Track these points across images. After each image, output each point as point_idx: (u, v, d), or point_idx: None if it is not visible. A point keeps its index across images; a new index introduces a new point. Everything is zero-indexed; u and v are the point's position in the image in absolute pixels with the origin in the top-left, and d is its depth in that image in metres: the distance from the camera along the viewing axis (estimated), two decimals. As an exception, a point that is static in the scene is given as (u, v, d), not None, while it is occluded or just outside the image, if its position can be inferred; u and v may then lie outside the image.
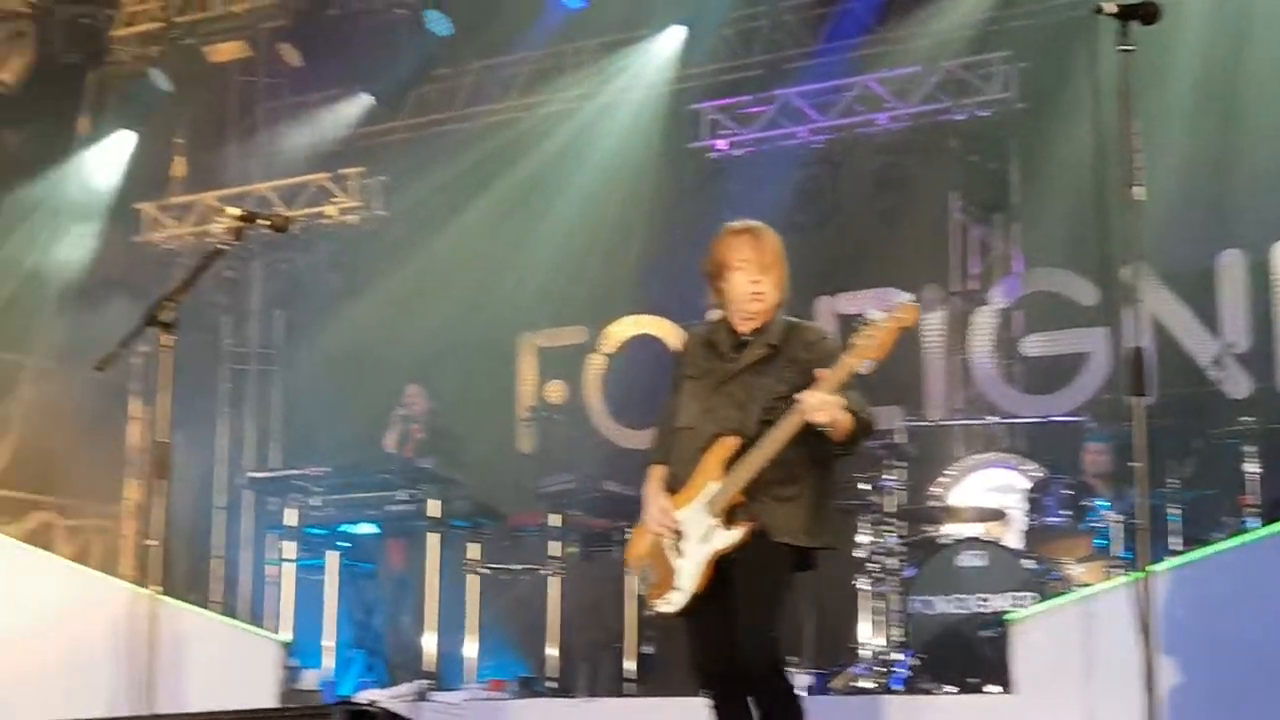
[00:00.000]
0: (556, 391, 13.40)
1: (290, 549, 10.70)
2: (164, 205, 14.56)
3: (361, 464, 11.01)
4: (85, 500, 14.87)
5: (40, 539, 13.66)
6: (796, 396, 5.56)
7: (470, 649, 10.20)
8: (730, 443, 5.71)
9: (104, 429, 14.87)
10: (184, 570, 13.63)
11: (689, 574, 5.75)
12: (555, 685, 10.15)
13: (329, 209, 13.91)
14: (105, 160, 14.21)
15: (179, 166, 14.69)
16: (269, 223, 6.04)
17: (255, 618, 12.57)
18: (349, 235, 14.12)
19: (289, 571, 10.72)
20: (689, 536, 5.76)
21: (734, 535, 5.66)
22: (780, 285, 5.87)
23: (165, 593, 5.72)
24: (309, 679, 10.19)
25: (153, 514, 5.69)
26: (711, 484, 5.71)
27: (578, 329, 13.71)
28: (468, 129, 14.05)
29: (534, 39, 13.41)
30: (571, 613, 10.38)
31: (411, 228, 13.93)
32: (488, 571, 10.43)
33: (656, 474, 5.95)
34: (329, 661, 10.47)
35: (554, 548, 10.38)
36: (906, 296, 6.12)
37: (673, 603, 5.82)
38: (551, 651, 10.24)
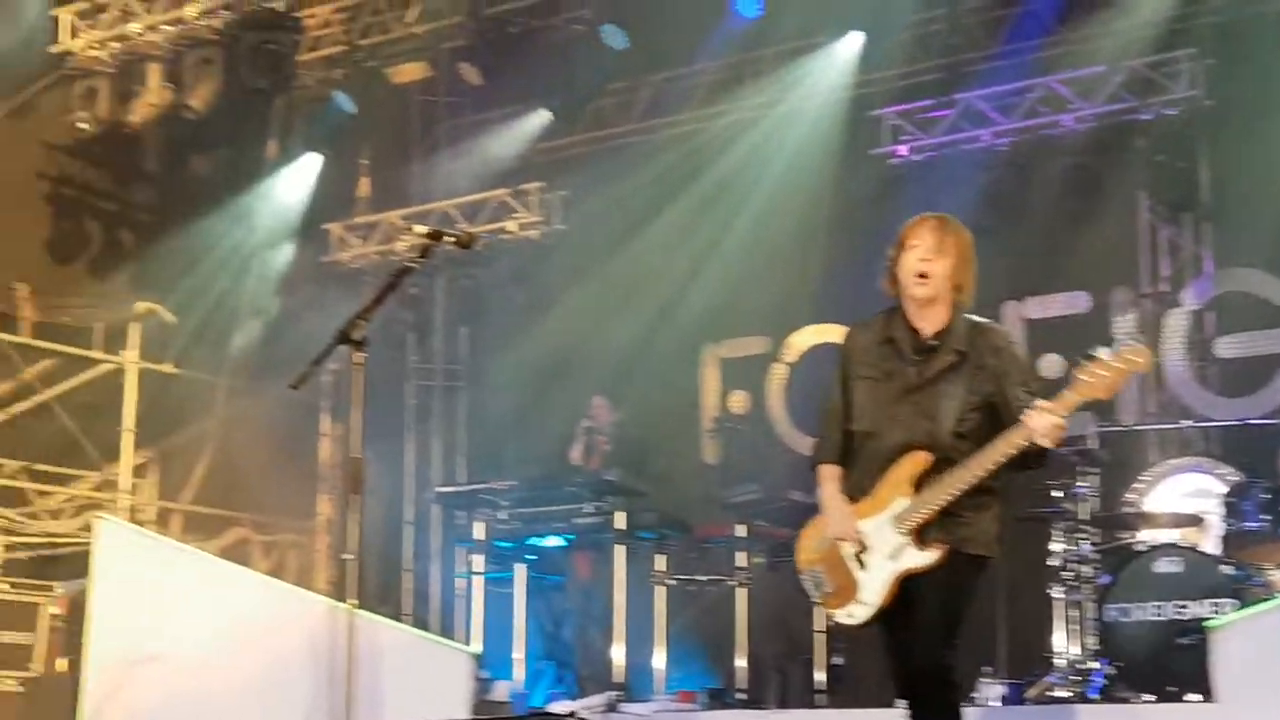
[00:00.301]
0: (740, 402, 13.38)
1: (479, 562, 10.78)
2: (350, 225, 14.81)
3: (548, 477, 11.07)
4: (280, 516, 15.17)
5: (237, 554, 13.97)
6: (1023, 419, 5.41)
7: (659, 660, 10.20)
8: (923, 458, 5.59)
9: (296, 446, 15.16)
10: (376, 584, 13.83)
11: (874, 589, 5.65)
12: (745, 696, 10.12)
13: (510, 224, 14.03)
14: (293, 182, 14.50)
15: (364, 186, 14.92)
16: (454, 240, 6.08)
17: (445, 630, 12.71)
18: (530, 250, 14.22)
19: (478, 584, 10.81)
20: (873, 550, 5.65)
21: (928, 558, 5.56)
22: (955, 277, 5.69)
23: (360, 606, 5.78)
24: (500, 691, 10.26)
25: (348, 528, 5.75)
26: (901, 499, 5.59)
27: (760, 339, 13.67)
28: (646, 142, 14.08)
29: (711, 50, 13.39)
30: (759, 623, 10.34)
31: (592, 241, 13.98)
32: (674, 583, 10.42)
33: (833, 475, 5.81)
34: (519, 673, 10.53)
35: (740, 558, 10.35)
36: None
37: (856, 616, 5.73)
38: (740, 663, 10.20)
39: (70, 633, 12.25)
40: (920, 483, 5.59)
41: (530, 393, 13.90)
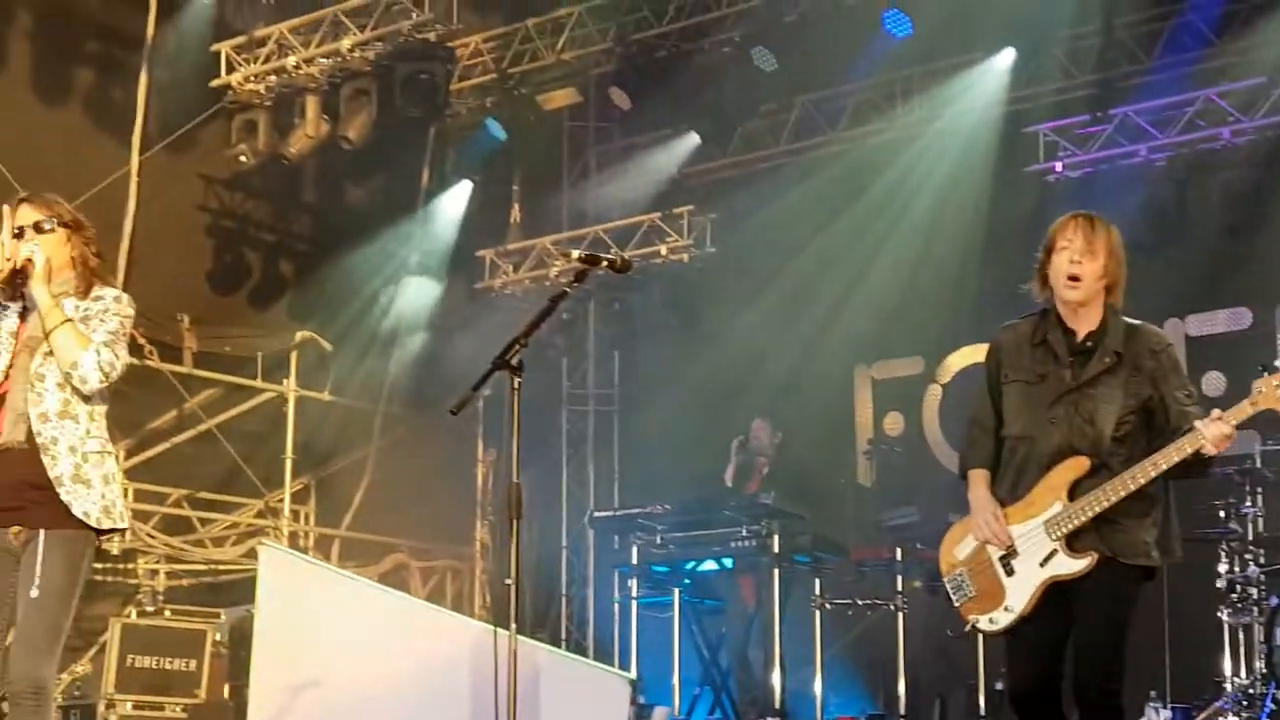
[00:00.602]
0: (895, 424, 13.28)
1: (635, 587, 10.79)
2: (502, 251, 14.92)
3: (703, 501, 11.05)
4: (437, 542, 15.30)
5: (395, 580, 14.10)
6: (1197, 427, 5.31)
7: (817, 685, 10.13)
8: (1081, 463, 5.48)
9: (452, 472, 15.30)
10: (533, 608, 13.90)
11: (1020, 595, 5.55)
12: (905, 720, 10.03)
13: (661, 248, 14.04)
14: (446, 210, 14.65)
15: (515, 213, 15.04)
16: (610, 264, 6.08)
17: (602, 655, 12.71)
18: (681, 274, 14.22)
19: (634, 609, 10.81)
20: (1023, 555, 5.55)
21: (1080, 565, 5.45)
22: (1107, 277, 5.57)
23: (519, 631, 5.79)
24: (658, 716, 10.26)
25: (508, 554, 5.77)
26: (1056, 504, 5.49)
27: (914, 360, 13.56)
28: (796, 163, 14.05)
29: (860, 69, 13.32)
30: (918, 647, 10.24)
31: (744, 264, 13.97)
32: (832, 607, 10.35)
33: (982, 478, 5.71)
34: (676, 698, 10.52)
35: (898, 582, 10.26)
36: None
37: (998, 623, 5.62)
38: (900, 687, 10.10)
39: (234, 659, 12.44)
40: (1075, 488, 5.49)
41: (683, 416, 13.90)
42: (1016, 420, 5.65)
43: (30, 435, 5.46)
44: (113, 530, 5.55)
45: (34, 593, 5.38)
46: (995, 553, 5.62)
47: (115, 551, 13.45)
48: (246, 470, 13.99)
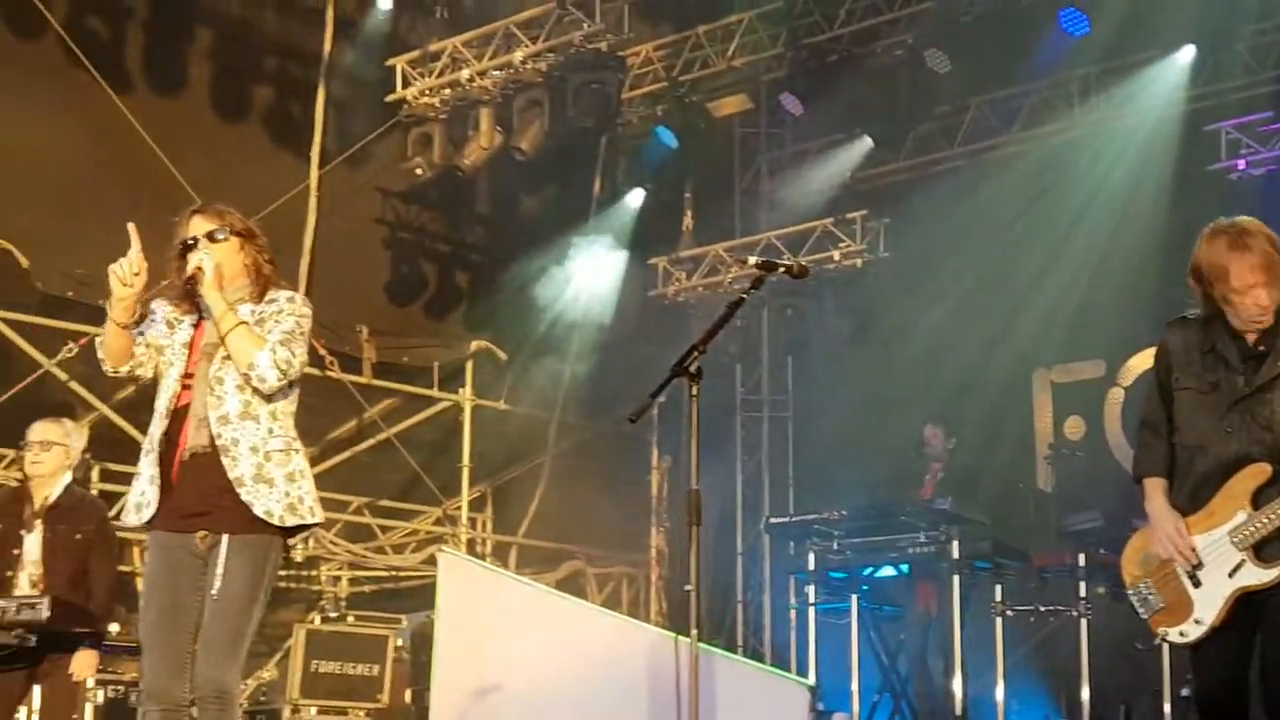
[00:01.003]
0: (1076, 428, 13.09)
1: (812, 593, 10.73)
2: (675, 259, 14.95)
3: (880, 506, 10.95)
4: (612, 549, 15.37)
5: (572, 586, 14.20)
6: None
7: (999, 692, 10.00)
8: (1262, 470, 5.36)
9: (626, 479, 15.37)
10: (709, 615, 13.89)
11: (1210, 607, 5.43)
12: (1089, 729, 9.86)
13: (834, 253, 13.97)
14: (619, 219, 14.71)
15: (687, 220, 15.06)
16: (788, 270, 6.08)
17: (778, 662, 12.69)
18: (854, 279, 14.14)
19: (811, 615, 10.76)
20: (1209, 566, 5.44)
21: (1271, 574, 5.33)
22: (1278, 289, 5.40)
23: (695, 642, 5.78)
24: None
25: (688, 560, 5.77)
26: (1240, 513, 5.38)
27: (1095, 363, 13.34)
28: (971, 165, 13.91)
29: (1036, 69, 13.14)
30: (1102, 654, 10.06)
31: (918, 269, 13.86)
32: (1013, 613, 10.20)
33: (1159, 488, 5.59)
34: (855, 705, 10.45)
35: (1081, 588, 10.09)
36: None
37: (1188, 635, 5.51)
38: (1084, 694, 9.93)
39: (415, 664, 12.60)
40: (1259, 496, 5.38)
41: (857, 422, 13.83)
42: (1190, 429, 5.54)
43: (212, 439, 5.55)
44: (301, 527, 5.61)
45: (215, 597, 5.47)
46: (1182, 566, 5.51)
47: (299, 559, 13.71)
48: (425, 478, 14.18)
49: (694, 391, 5.75)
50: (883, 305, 14.04)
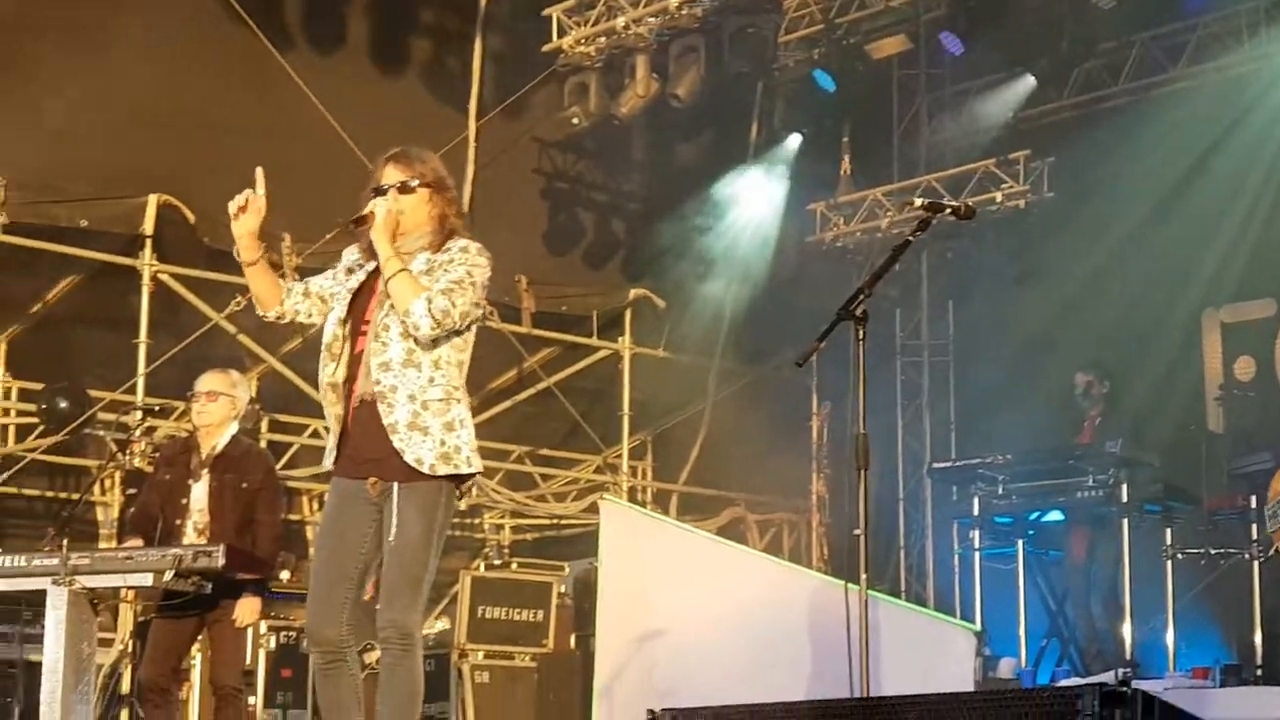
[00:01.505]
0: (1246, 368, 12.82)
1: (977, 538, 10.66)
2: (833, 204, 14.84)
3: (1045, 451, 10.84)
4: (773, 495, 15.36)
5: (733, 533, 14.22)
6: None
7: (1169, 636, 9.88)
8: None
9: (787, 425, 15.33)
10: (872, 561, 13.81)
11: None
12: (1262, 673, 9.69)
13: (996, 195, 13.78)
14: (776, 164, 14.63)
15: (845, 164, 14.93)
16: (954, 211, 6.02)
17: (942, 607, 12.61)
18: (1017, 220, 13.93)
19: (976, 560, 10.69)
20: None
21: None
22: None
23: (864, 588, 5.76)
24: (1004, 668, 10.13)
25: (855, 504, 5.75)
26: None
27: (1265, 302, 13.05)
28: (1137, 103, 13.63)
29: (1205, 3, 12.85)
30: (1276, 597, 9.89)
31: (1081, 208, 13.63)
32: (1183, 557, 10.06)
33: None
34: (1023, 650, 10.38)
35: (1254, 530, 9.91)
36: None
37: None
38: (1257, 637, 9.77)
39: (579, 610, 12.72)
40: None
41: (1021, 365, 13.66)
42: None
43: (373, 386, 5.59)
44: (456, 476, 5.58)
45: (392, 544, 5.53)
46: None
47: (463, 507, 13.88)
48: (585, 427, 14.26)
49: (860, 335, 5.74)
50: (1046, 247, 13.81)
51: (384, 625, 5.56)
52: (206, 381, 8.40)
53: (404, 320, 5.50)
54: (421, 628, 5.60)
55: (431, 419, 5.49)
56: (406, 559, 5.51)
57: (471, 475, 5.65)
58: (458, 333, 5.60)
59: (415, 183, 5.68)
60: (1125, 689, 3.07)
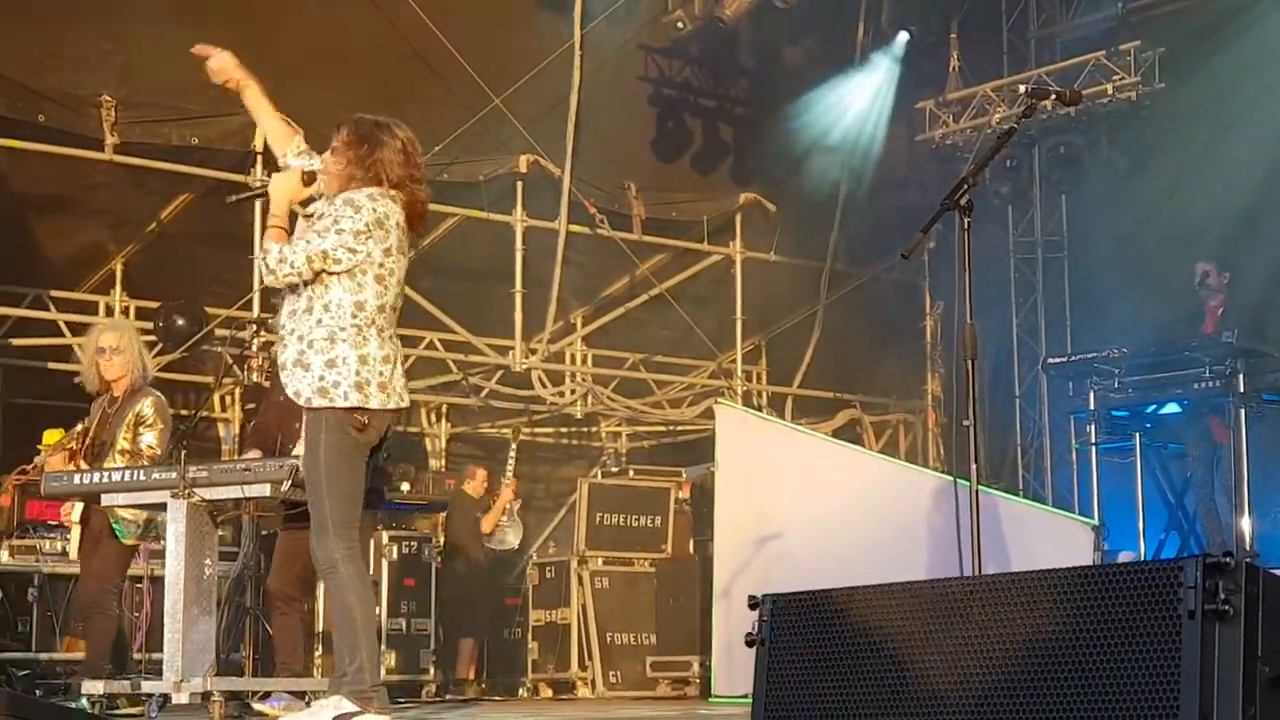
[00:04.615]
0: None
1: (1094, 432, 10.58)
2: (942, 101, 14.69)
3: (1161, 343, 10.70)
4: (888, 396, 15.35)
5: (848, 434, 14.25)
6: None
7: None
8: None
9: (900, 326, 15.30)
10: (989, 458, 13.79)
11: None
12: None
13: (1107, 87, 13.57)
14: (884, 63, 14.50)
15: (954, 61, 14.77)
16: (1059, 97, 5.96)
17: (1060, 503, 12.57)
18: (1129, 113, 13.72)
19: (1094, 455, 10.63)
20: None
21: None
22: None
23: (978, 480, 5.73)
24: (1123, 561, 10.08)
25: (966, 396, 5.72)
26: None
27: None
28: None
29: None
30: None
31: (1195, 100, 13.39)
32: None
33: None
34: (1142, 544, 10.32)
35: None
36: None
37: None
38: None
39: (696, 515, 12.82)
40: None
41: (1134, 259, 13.49)
42: None
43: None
44: (360, 409, 5.84)
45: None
46: None
47: (579, 415, 14.00)
48: (698, 332, 14.30)
49: (965, 225, 5.69)
50: (1159, 140, 13.60)
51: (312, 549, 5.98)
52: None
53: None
54: (341, 553, 5.83)
55: (314, 356, 5.82)
56: (309, 492, 5.95)
57: (360, 409, 5.85)
58: (343, 274, 5.85)
59: (334, 142, 6.04)
60: (1229, 559, 3.07)
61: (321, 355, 5.81)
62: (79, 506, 8.27)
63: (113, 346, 8.33)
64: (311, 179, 6.09)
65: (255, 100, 6.56)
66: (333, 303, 5.84)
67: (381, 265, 5.86)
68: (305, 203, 6.19)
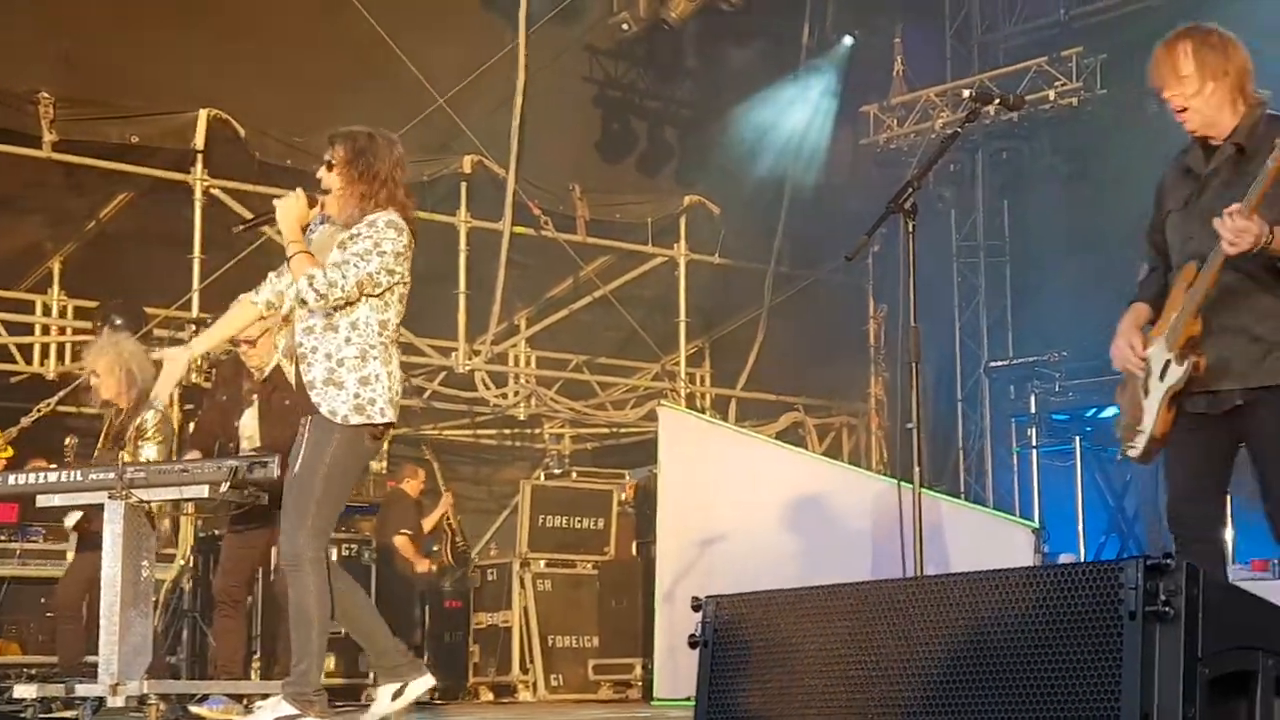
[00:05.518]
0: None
1: (1034, 435, 10.65)
2: (886, 106, 14.74)
3: (1102, 347, 10.74)
4: (832, 399, 15.38)
5: (792, 437, 14.25)
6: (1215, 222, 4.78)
7: (1229, 530, 9.83)
8: (1190, 268, 4.99)
9: (844, 329, 15.33)
10: (930, 460, 13.83)
11: (1150, 415, 5.03)
12: (1324, 566, 9.67)
13: (1049, 93, 13.65)
14: (828, 67, 14.54)
15: (898, 66, 14.82)
16: (1003, 101, 5.98)
17: (1002, 505, 12.62)
18: (1070, 118, 13.81)
19: (1034, 458, 10.69)
20: (1152, 373, 5.05)
21: (1179, 371, 4.92)
22: (1217, 84, 5.03)
23: (919, 480, 5.73)
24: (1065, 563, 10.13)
25: (909, 400, 5.72)
26: (1174, 315, 5.00)
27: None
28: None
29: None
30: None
31: (1136, 105, 13.46)
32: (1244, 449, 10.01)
33: (1131, 309, 5.32)
34: (1082, 547, 10.39)
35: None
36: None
37: (1136, 447, 5.10)
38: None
39: (640, 517, 12.79)
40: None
41: (1076, 264, 13.57)
42: (1174, 253, 5.20)
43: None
44: (369, 424, 5.94)
45: (293, 472, 5.98)
46: (1139, 377, 5.13)
47: (522, 417, 13.95)
48: (642, 334, 14.29)
49: (910, 228, 5.69)
50: (1101, 145, 13.68)
51: (279, 547, 6.12)
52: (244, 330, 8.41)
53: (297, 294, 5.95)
54: (310, 552, 5.89)
55: (347, 374, 5.90)
56: (296, 488, 5.92)
57: (388, 424, 6.01)
58: (375, 296, 5.96)
59: (330, 161, 6.05)
60: (1169, 560, 3.07)
61: (354, 373, 5.91)
62: (75, 515, 8.29)
63: (95, 371, 8.43)
64: (314, 200, 6.09)
65: (207, 340, 6.75)
66: (360, 321, 5.94)
67: (405, 284, 6.02)
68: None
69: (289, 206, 6.04)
